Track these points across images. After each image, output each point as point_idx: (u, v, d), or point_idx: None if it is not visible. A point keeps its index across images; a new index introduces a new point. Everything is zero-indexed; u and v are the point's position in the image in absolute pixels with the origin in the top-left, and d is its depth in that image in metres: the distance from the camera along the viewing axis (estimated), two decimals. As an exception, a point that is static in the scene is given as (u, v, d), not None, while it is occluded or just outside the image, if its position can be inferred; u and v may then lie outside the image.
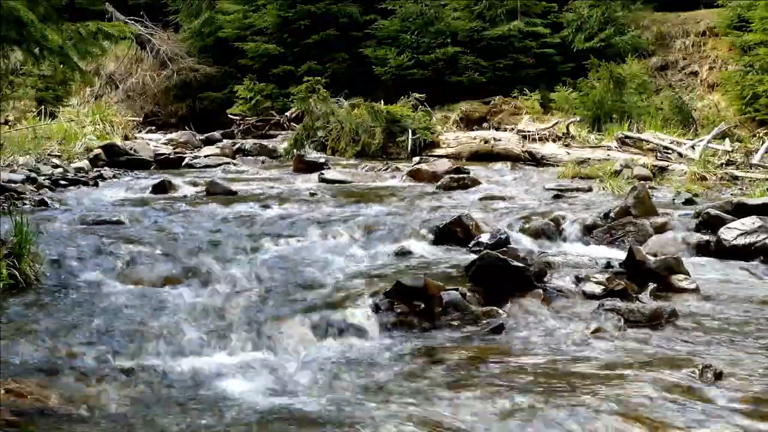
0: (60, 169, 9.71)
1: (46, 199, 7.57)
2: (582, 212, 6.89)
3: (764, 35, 12.92)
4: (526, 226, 6.48)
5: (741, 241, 5.68)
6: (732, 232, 5.76)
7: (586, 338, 3.97)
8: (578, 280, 4.77)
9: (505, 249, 5.17)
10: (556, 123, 13.07)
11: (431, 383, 3.40)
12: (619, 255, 5.41)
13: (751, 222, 5.79)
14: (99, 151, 11.15)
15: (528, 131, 12.67)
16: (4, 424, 2.91)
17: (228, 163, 11.97)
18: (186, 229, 6.39)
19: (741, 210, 6.22)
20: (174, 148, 13.22)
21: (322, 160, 11.09)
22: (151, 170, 10.98)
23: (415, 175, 9.91)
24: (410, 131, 12.50)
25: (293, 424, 2.99)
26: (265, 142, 14.36)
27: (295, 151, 12.26)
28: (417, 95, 13.35)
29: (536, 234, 6.36)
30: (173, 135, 14.95)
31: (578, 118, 13.44)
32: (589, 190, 8.65)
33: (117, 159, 11.12)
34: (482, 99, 16.34)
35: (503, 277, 4.55)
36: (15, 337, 3.75)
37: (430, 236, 6.17)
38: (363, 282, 4.81)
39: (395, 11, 17.66)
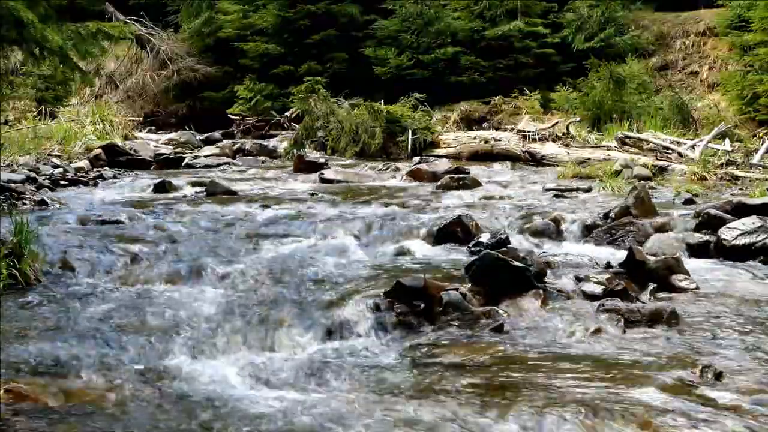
0: (60, 169, 9.72)
1: (46, 199, 7.57)
2: (582, 212, 6.89)
3: (764, 35, 12.90)
4: (526, 226, 6.48)
5: (741, 241, 5.68)
6: (732, 232, 5.75)
7: (586, 338, 3.97)
8: (578, 280, 4.77)
9: (505, 249, 5.16)
10: (556, 123, 13.07)
11: (431, 383, 3.40)
12: (619, 255, 5.40)
13: (751, 222, 5.79)
14: (99, 151, 11.15)
15: (528, 131, 12.67)
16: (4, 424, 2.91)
17: (228, 163, 11.98)
18: (186, 229, 6.39)
19: (741, 210, 6.21)
20: (174, 148, 13.22)
21: (322, 160, 11.09)
22: (151, 170, 10.99)
23: (415, 174, 9.91)
24: (410, 131, 12.50)
25: (293, 424, 2.99)
26: (265, 142, 14.36)
27: (295, 151, 12.24)
28: (417, 95, 13.35)
29: (536, 234, 6.36)
30: (173, 135, 14.94)
31: (578, 118, 13.44)
32: (589, 190, 8.65)
33: (117, 159, 11.13)
34: (482, 99, 16.33)
35: (503, 277, 4.55)
36: (15, 337, 3.75)
37: (430, 236, 6.17)
38: (363, 282, 4.82)
39: (395, 11, 17.65)
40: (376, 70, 17.30)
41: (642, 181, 8.52)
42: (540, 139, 12.40)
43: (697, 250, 5.80)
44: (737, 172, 9.42)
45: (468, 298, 4.35)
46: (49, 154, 10.67)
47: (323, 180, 9.67)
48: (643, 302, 4.50)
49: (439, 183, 9.05)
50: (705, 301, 4.63)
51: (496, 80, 16.65)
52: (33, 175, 8.89)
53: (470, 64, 16.73)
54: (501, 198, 8.05)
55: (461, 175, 9.23)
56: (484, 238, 5.87)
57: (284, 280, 4.94)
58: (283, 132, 15.79)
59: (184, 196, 8.33)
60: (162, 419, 3.06)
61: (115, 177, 10.03)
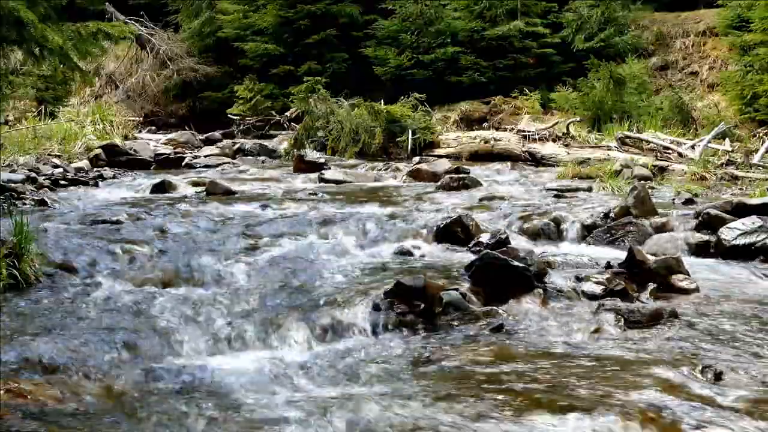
0: (60, 169, 9.72)
1: (46, 199, 7.56)
2: (582, 212, 6.89)
3: (764, 35, 12.89)
4: (526, 226, 6.48)
5: (741, 241, 5.68)
6: (732, 232, 5.76)
7: (586, 338, 3.97)
8: (578, 280, 4.77)
9: (505, 249, 5.16)
10: (556, 123, 13.06)
11: (430, 383, 3.40)
12: (619, 255, 5.40)
13: (751, 222, 5.79)
14: (99, 151, 11.16)
15: (528, 131, 12.66)
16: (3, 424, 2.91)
17: (228, 163, 11.97)
18: (186, 229, 6.39)
19: (741, 210, 6.21)
20: (174, 148, 13.22)
21: (322, 160, 11.09)
22: (151, 170, 10.98)
23: (415, 175, 9.92)
24: (410, 131, 12.49)
25: (292, 424, 2.99)
26: (265, 142, 14.36)
27: (295, 151, 12.26)
28: (417, 95, 13.34)
29: (536, 234, 6.37)
30: (173, 135, 14.94)
31: (578, 118, 13.44)
32: (589, 190, 8.65)
33: (117, 159, 11.12)
34: (482, 99, 16.33)
35: (503, 277, 4.55)
36: (15, 337, 3.75)
37: (430, 236, 6.17)
38: (363, 282, 4.82)
39: (395, 11, 17.63)
40: (376, 70, 17.29)
41: (642, 181, 8.52)
42: (540, 139, 12.39)
43: (697, 250, 5.80)
44: (737, 172, 9.42)
45: (468, 297, 4.36)
46: (49, 154, 10.66)
47: (323, 180, 9.66)
48: (643, 302, 4.50)
49: (439, 183, 9.04)
50: (705, 301, 4.63)
51: (496, 80, 16.63)
52: (33, 175, 8.89)
53: (470, 64, 16.72)
54: (501, 198, 8.05)
55: (461, 175, 9.23)
56: (484, 238, 5.87)
57: (284, 280, 4.94)
58: (283, 132, 15.79)
59: (184, 196, 8.32)
60: (162, 419, 3.06)
61: (115, 177, 10.03)
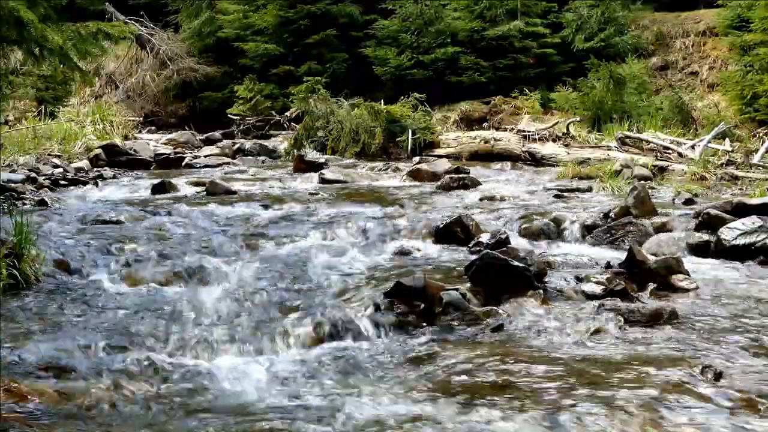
0: (60, 169, 9.72)
1: (46, 199, 7.57)
2: (582, 212, 6.90)
3: (764, 35, 12.89)
4: (526, 226, 6.48)
5: (741, 241, 5.68)
6: (732, 232, 5.75)
7: (586, 338, 3.97)
8: (578, 280, 4.78)
9: (505, 249, 5.16)
10: (556, 123, 13.06)
11: (431, 383, 3.40)
12: (619, 255, 5.40)
13: (751, 222, 5.78)
14: (99, 151, 11.16)
15: (528, 131, 12.66)
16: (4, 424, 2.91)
17: (228, 163, 11.97)
18: (186, 229, 6.39)
19: (741, 210, 6.21)
20: (174, 148, 13.22)
21: (322, 160, 11.09)
22: (151, 170, 10.99)
23: (415, 175, 9.92)
24: (410, 131, 12.49)
25: (293, 424, 2.99)
26: (265, 142, 14.36)
27: (295, 151, 12.26)
28: (417, 95, 13.34)
29: (536, 234, 6.36)
30: (173, 135, 14.93)
31: (578, 118, 13.43)
32: (589, 190, 8.65)
33: (117, 159, 11.12)
34: (482, 99, 16.34)
35: (503, 277, 4.55)
36: (15, 337, 3.75)
37: (430, 236, 6.17)
38: (363, 282, 4.82)
39: (395, 11, 17.64)
40: (376, 70, 17.29)
41: (642, 181, 8.52)
42: (540, 139, 12.39)
43: (697, 250, 5.80)
44: (737, 172, 9.42)
45: (468, 298, 4.36)
46: (49, 154, 10.66)
47: (323, 180, 9.66)
48: (643, 302, 4.50)
49: (439, 183, 9.04)
50: (705, 301, 4.63)
51: (496, 80, 16.64)
52: (33, 175, 8.89)
53: (470, 64, 16.72)
54: (501, 198, 8.05)
55: (461, 175, 9.23)
56: (484, 238, 5.87)
57: (284, 281, 4.94)
58: (283, 132, 15.79)
59: (184, 196, 8.32)
60: (162, 419, 3.06)
61: (115, 177, 10.03)
